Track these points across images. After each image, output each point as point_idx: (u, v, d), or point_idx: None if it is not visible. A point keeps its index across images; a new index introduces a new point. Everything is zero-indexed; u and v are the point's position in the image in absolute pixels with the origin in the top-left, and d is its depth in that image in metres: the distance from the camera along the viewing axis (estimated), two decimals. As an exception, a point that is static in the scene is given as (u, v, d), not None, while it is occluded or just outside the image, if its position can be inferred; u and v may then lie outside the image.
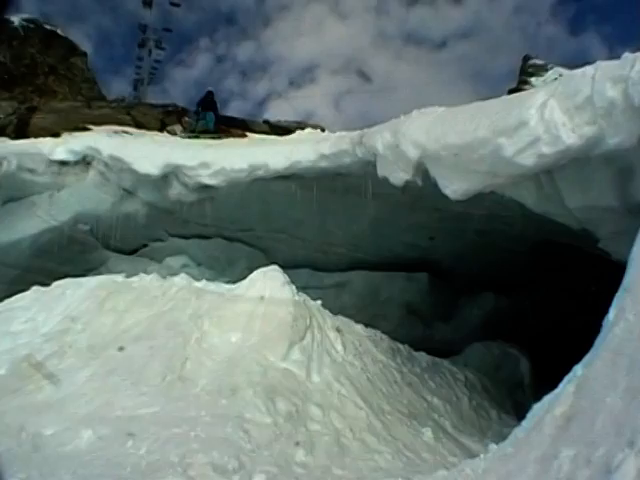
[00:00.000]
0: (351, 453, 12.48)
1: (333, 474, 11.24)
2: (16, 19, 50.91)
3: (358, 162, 17.00)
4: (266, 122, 31.69)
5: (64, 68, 49.84)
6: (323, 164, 18.30)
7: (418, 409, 15.38)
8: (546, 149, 11.84)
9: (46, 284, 19.95)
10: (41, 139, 24.60)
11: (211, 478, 10.52)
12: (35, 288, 19.74)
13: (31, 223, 22.17)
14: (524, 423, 8.13)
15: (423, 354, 17.86)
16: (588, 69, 11.95)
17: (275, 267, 17.78)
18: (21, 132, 27.23)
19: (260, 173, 19.55)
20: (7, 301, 19.57)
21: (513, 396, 17.46)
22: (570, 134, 11.55)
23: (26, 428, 12.52)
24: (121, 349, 16.03)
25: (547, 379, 9.57)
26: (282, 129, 27.78)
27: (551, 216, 13.67)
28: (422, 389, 16.36)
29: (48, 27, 51.94)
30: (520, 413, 10.89)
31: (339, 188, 18.59)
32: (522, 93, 16.42)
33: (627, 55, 11.30)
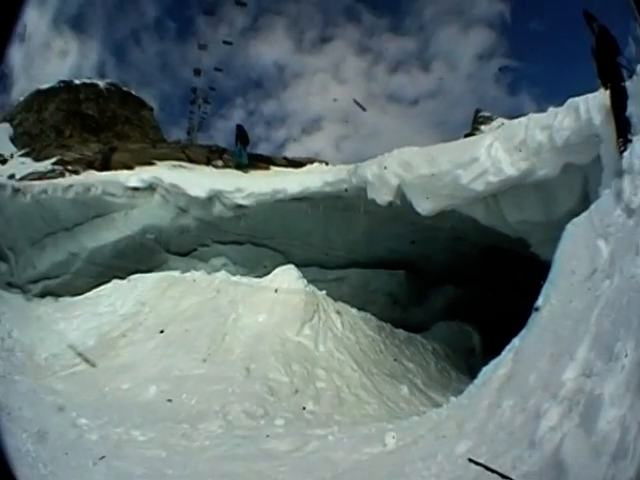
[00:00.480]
0: (348, 404, 12.73)
1: (334, 419, 11.43)
2: (101, 83, 51.34)
3: (353, 187, 17.33)
4: (285, 158, 31.69)
5: (136, 119, 50.28)
6: (327, 189, 18.68)
7: (397, 371, 15.50)
8: (492, 178, 12.37)
9: (123, 278, 20.11)
10: (119, 171, 24.85)
11: (244, 422, 10.82)
12: (115, 281, 19.91)
13: (112, 233, 22.32)
14: (476, 381, 8.21)
15: (401, 331, 17.98)
16: (523, 119, 12.62)
17: (291, 266, 18.16)
18: (105, 166, 27.50)
19: (280, 196, 19.88)
20: (94, 291, 19.80)
21: (467, 361, 17.60)
22: (510, 167, 12.07)
23: (109, 384, 12.94)
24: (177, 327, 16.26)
25: (492, 349, 9.63)
26: (296, 163, 27.78)
27: (496, 228, 13.94)
28: (400, 356, 16.46)
29: (125, 89, 52.34)
30: (473, 374, 10.91)
31: (339, 206, 18.77)
32: (474, 137, 16.86)
33: (551, 109, 11.87)
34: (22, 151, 40.28)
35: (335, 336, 15.78)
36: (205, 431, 10.07)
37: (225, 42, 41.13)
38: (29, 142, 41.95)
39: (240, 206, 20.72)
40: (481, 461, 4.43)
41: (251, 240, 21.97)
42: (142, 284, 19.29)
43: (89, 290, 20.19)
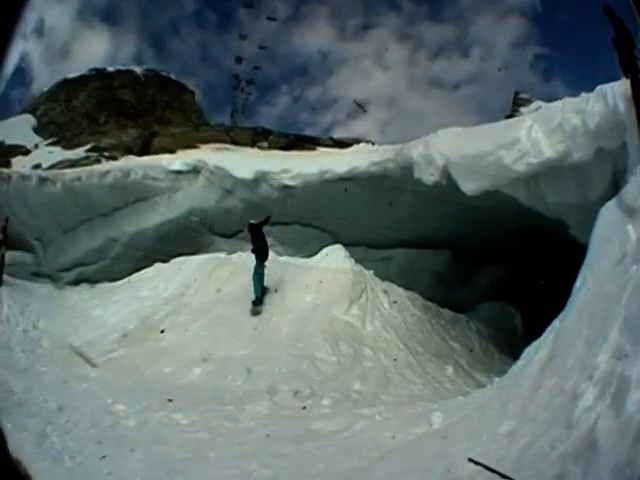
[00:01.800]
0: (394, 384, 12.70)
1: (380, 399, 11.42)
2: (138, 69, 51.06)
3: (399, 167, 17.47)
4: (331, 139, 31.74)
5: (177, 103, 50.00)
6: (373, 169, 18.82)
7: (443, 351, 15.47)
8: (532, 160, 12.52)
9: (166, 261, 20.28)
10: (160, 155, 25.13)
11: (291, 402, 10.87)
12: (157, 265, 20.08)
13: (154, 217, 22.65)
14: (518, 362, 8.28)
15: (447, 310, 17.93)
16: (558, 103, 12.87)
17: (339, 245, 18.35)
18: (144, 151, 27.70)
19: (327, 176, 20.12)
20: (135, 275, 20.03)
21: (510, 342, 17.45)
22: (548, 149, 12.15)
23: (149, 368, 13.17)
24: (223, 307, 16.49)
25: (534, 330, 9.66)
26: (343, 144, 27.71)
27: (536, 209, 14.00)
28: (446, 336, 16.43)
29: (164, 74, 52.11)
30: (515, 355, 10.97)
31: (385, 186, 18.83)
32: (515, 119, 16.91)
33: (583, 95, 12.09)
34: (49, 140, 40.09)
35: (382, 315, 15.78)
36: (251, 412, 10.10)
37: (269, 18, 41.34)
38: (57, 131, 41.72)
39: (287, 187, 20.98)
40: (481, 461, 4.54)
41: (298, 220, 22.11)
42: (186, 267, 19.40)
43: (129, 275, 20.39)
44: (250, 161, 22.64)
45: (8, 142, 36.35)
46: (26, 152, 35.81)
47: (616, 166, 11.43)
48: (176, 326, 16.23)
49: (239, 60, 40.73)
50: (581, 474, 3.90)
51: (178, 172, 22.94)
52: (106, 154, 30.07)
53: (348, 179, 19.79)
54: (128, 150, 29.92)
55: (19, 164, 30.00)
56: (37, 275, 23.31)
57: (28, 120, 46.02)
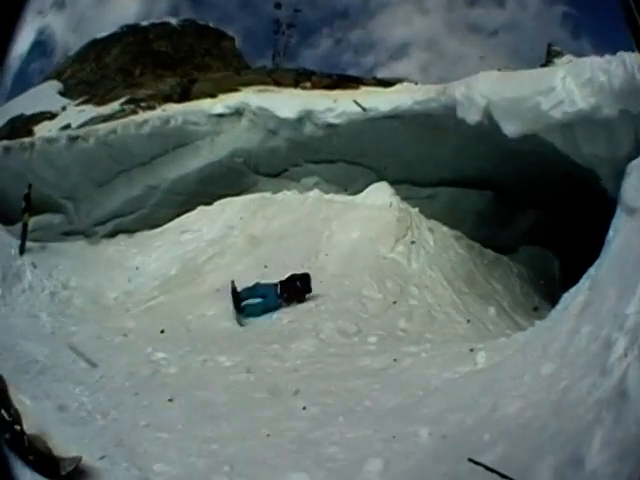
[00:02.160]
0: (438, 322, 12.91)
1: (425, 337, 11.57)
2: (173, 20, 50.27)
3: (442, 107, 17.54)
4: (374, 78, 31.44)
5: (216, 50, 48.98)
6: (417, 107, 18.87)
7: (486, 292, 15.66)
8: (567, 108, 12.80)
9: (209, 204, 20.54)
10: (201, 100, 25.17)
11: (337, 339, 11.10)
12: (200, 208, 20.31)
13: (196, 161, 22.76)
14: (557, 307, 8.53)
15: (490, 251, 18.10)
16: (586, 59, 13.25)
17: (384, 183, 18.79)
18: (183, 98, 27.65)
19: (371, 114, 20.12)
20: (177, 220, 20.35)
21: (548, 288, 17.68)
22: (581, 101, 12.44)
23: (192, 312, 13.23)
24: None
25: (571, 276, 9.79)
26: (386, 83, 27.43)
27: (572, 157, 14.22)
28: (489, 277, 16.62)
29: (201, 22, 51.34)
30: (553, 300, 11.17)
31: (429, 125, 18.81)
32: (549, 68, 17.08)
33: (607, 57, 12.33)
34: (78, 100, 39.71)
35: (427, 253, 16.00)
36: (297, 350, 10.26)
37: None
38: (87, 90, 41.07)
39: (331, 125, 21.00)
40: (481, 462, 4.61)
41: (343, 158, 22.16)
42: (231, 208, 19.81)
43: (170, 221, 20.65)
44: (294, 101, 22.48)
45: (30, 112, 35.94)
46: (52, 116, 35.34)
47: (637, 128, 11.80)
48: (220, 268, 16.54)
49: (278, 6, 40.22)
50: (612, 422, 3.98)
51: (220, 115, 22.90)
52: (143, 105, 29.79)
53: (392, 117, 19.77)
54: (166, 99, 29.66)
55: (44, 129, 29.77)
56: (68, 234, 23.46)
57: (53, 85, 44.98)
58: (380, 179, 19.57)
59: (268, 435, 6.38)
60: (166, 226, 20.43)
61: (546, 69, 17.88)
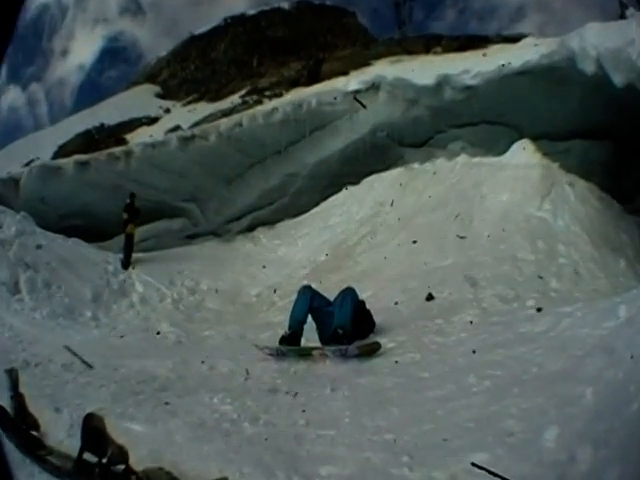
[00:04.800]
0: (583, 279, 12.70)
1: (574, 297, 11.20)
2: (285, 4, 49.94)
3: (564, 59, 18.10)
4: (499, 35, 30.88)
5: (339, 27, 48.67)
6: (544, 62, 19.20)
7: (616, 244, 15.20)
8: None
9: (355, 183, 20.49)
10: (333, 80, 25.07)
11: (498, 307, 10.78)
12: (347, 189, 20.33)
13: (337, 141, 22.84)
14: None
15: (615, 202, 17.60)
16: None
17: (526, 140, 18.34)
18: (313, 80, 27.59)
19: (505, 71, 20.23)
20: (322, 205, 20.43)
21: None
22: None
23: None
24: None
25: None
26: (511, 39, 26.83)
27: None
28: (618, 229, 16.11)
29: (316, 2, 50.99)
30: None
31: (554, 79, 19.06)
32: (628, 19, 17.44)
33: None
34: (187, 99, 39.22)
35: (570, 209, 15.63)
36: (460, 322, 9.92)
37: None
38: (196, 88, 40.63)
39: (469, 87, 21.09)
40: (485, 466, 4.28)
41: (484, 120, 22.16)
42: (379, 184, 19.82)
43: (314, 207, 20.75)
44: (429, 67, 22.60)
45: (116, 120, 35.35)
46: (151, 121, 34.73)
47: None
48: (373, 247, 16.55)
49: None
50: None
51: (356, 92, 22.99)
52: (268, 93, 29.71)
53: (523, 72, 19.87)
54: (293, 83, 29.61)
55: (142, 135, 29.18)
56: (193, 237, 23.09)
57: (147, 89, 44.61)
58: (521, 137, 19.22)
59: (444, 416, 5.94)
60: (311, 212, 20.57)
61: (625, 21, 17.67)
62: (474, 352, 7.92)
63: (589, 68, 16.19)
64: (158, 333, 12.98)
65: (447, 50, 27.00)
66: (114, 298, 15.11)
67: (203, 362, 8.96)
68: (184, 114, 33.19)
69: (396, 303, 11.99)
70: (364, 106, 21.27)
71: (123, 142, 28.08)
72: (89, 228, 19.71)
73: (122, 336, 12.87)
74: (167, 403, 6.91)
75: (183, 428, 5.95)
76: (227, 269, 17.28)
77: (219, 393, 7.25)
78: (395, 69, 23.32)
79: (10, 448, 4.35)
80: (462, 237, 14.88)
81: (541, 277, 12.42)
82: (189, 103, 38.09)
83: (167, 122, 32.33)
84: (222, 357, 9.39)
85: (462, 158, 19.48)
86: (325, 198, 21.26)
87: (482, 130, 21.99)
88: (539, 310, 9.26)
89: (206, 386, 7.77)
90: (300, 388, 7.39)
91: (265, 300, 15.20)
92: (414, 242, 15.58)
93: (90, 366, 9.07)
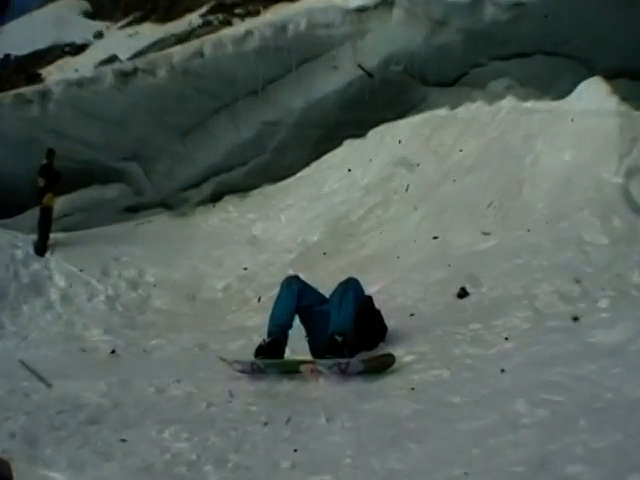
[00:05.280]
0: None
1: None
2: None
3: None
4: None
5: None
6: None
7: None
8: None
9: (360, 135, 20.39)
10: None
11: (557, 307, 10.42)
12: (348, 142, 20.24)
13: (334, 78, 22.54)
14: None
15: None
16: None
17: (598, 78, 17.79)
18: (303, -4, 27.24)
19: None
20: (314, 165, 20.41)
21: None
22: None
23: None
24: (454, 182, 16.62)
25: None
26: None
27: None
28: None
29: None
30: None
31: None
32: None
33: None
34: (125, 20, 38.47)
35: None
36: (505, 328, 9.69)
37: None
38: (139, 4, 39.89)
39: (518, 3, 20.62)
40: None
41: (539, 48, 21.86)
42: (392, 136, 19.88)
43: (304, 168, 20.83)
44: None
45: (27, 50, 34.64)
46: (76, 50, 34.08)
47: None
48: (384, 224, 16.60)
49: None
50: None
51: (361, 10, 22.63)
52: (239, 11, 29.54)
53: None
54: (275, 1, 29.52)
55: (64, 69, 28.57)
56: (135, 210, 22.94)
57: (70, 5, 43.76)
58: (591, 74, 18.68)
59: (481, 457, 5.69)
60: (299, 175, 20.45)
61: None
62: (523, 370, 7.83)
63: None
64: (83, 350, 12.89)
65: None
66: (24, 296, 15.20)
67: (149, 383, 8.91)
68: (122, 40, 32.90)
69: (416, 301, 11.98)
70: (370, 75, 21.04)
71: (37, 79, 27.85)
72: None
73: (37, 348, 12.83)
74: (99, 441, 6.83)
75: (121, 475, 5.92)
76: (183, 254, 17.30)
77: (171, 425, 7.21)
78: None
79: None
80: (505, 211, 14.81)
81: (617, 268, 11.99)
82: (129, 24, 37.72)
83: (99, 51, 32.07)
84: (175, 376, 9.30)
85: (508, 102, 19.17)
86: (318, 156, 21.16)
87: (536, 63, 21.66)
88: (612, 313, 9.08)
89: (153, 416, 7.73)
90: (284, 417, 7.30)
91: (235, 296, 15.32)
92: (441, 213, 15.59)
93: (49, 385, 9.10)
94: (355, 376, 8.28)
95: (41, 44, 35.16)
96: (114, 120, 22.26)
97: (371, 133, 20.36)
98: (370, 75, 20.71)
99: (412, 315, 11.38)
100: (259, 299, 14.66)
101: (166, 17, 35.22)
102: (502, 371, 7.91)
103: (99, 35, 37.00)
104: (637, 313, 9.27)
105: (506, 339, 9.26)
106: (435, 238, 14.65)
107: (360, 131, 20.95)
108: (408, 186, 17.96)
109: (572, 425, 5.97)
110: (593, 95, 17.19)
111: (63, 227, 18.27)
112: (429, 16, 21.97)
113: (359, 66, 21.30)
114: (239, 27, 24.91)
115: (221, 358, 9.36)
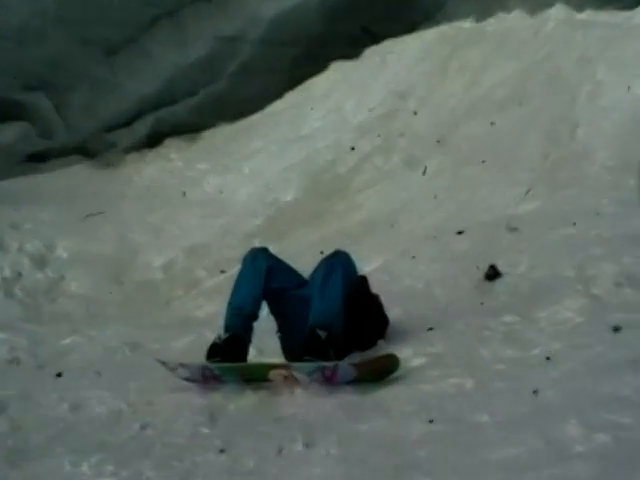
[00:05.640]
0: None
1: None
2: None
3: None
4: None
5: None
6: None
7: None
8: None
9: (351, 56, 20.31)
10: None
11: (625, 295, 10.03)
12: (335, 65, 20.11)
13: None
14: None
15: None
16: None
17: None
18: None
19: None
20: (288, 96, 20.26)
21: None
22: None
23: None
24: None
25: None
26: None
27: None
28: None
29: None
30: None
31: None
32: None
33: None
34: None
35: None
36: (550, 322, 9.49)
37: None
38: None
39: None
40: None
41: None
42: (398, 58, 19.91)
43: (275, 100, 20.85)
44: None
45: None
46: None
47: None
48: (384, 178, 16.68)
49: None
50: None
51: None
52: None
53: None
54: None
55: None
56: (41, 158, 22.23)
57: None
58: None
59: None
60: (267, 110, 20.28)
61: None
62: (576, 379, 7.61)
63: None
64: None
65: None
66: None
67: (61, 398, 8.95)
68: None
69: (428, 283, 11.89)
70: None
71: None
72: None
73: None
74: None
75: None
76: (107, 218, 17.11)
77: (92, 455, 7.23)
78: None
79: None
80: (552, 161, 14.71)
81: None
82: None
83: None
84: (96, 387, 9.37)
85: (557, 11, 19.18)
86: (294, 85, 20.87)
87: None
88: None
89: (67, 443, 7.74)
90: (247, 442, 7.41)
91: (180, 277, 15.26)
92: (462, 169, 15.53)
93: None
94: (344, 386, 8.27)
95: None
96: (11, 35, 21.54)
97: (367, 53, 20.21)
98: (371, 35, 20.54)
99: (423, 302, 11.29)
100: (214, 279, 14.69)
101: None
102: (546, 381, 7.74)
103: None
104: None
105: (552, 337, 9.04)
106: (454, 198, 14.56)
107: (352, 50, 20.63)
108: (425, 91, 18.05)
109: (643, 456, 5.95)
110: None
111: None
112: None
113: (362, 28, 21.01)
114: None
115: (160, 362, 9.24)
